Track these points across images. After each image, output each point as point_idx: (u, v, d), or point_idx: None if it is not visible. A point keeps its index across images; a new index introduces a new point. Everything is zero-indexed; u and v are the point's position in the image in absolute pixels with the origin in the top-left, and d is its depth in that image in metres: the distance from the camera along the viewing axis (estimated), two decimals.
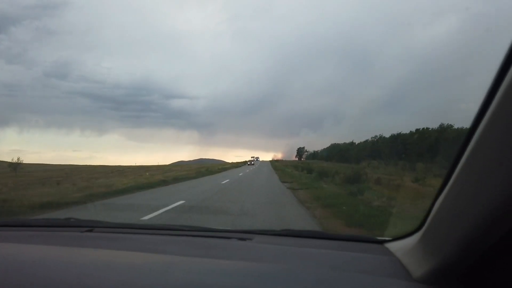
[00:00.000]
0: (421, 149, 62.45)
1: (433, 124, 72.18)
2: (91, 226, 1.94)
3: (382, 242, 1.62)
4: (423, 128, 72.13)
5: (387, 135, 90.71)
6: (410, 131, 75.79)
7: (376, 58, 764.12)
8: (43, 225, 2.10)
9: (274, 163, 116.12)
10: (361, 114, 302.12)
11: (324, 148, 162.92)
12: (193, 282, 1.08)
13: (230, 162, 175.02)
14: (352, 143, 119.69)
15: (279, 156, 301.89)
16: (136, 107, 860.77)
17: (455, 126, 63.65)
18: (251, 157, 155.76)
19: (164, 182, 20.25)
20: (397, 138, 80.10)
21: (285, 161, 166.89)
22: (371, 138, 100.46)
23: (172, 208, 9.08)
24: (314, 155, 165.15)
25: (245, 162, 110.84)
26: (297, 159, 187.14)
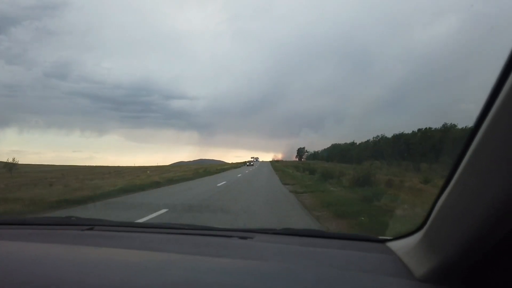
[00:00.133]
0: (425, 149, 61.63)
1: (434, 124, 71.36)
2: (91, 224, 1.93)
3: (383, 241, 1.60)
4: (426, 128, 71.27)
5: (387, 135, 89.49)
6: (413, 131, 75.12)
7: (376, 58, 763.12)
8: (43, 223, 2.13)
9: (274, 163, 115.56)
10: (362, 114, 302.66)
11: (324, 149, 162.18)
12: (194, 280, 1.07)
13: (230, 162, 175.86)
14: (353, 143, 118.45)
15: (279, 156, 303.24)
16: (136, 107, 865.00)
17: (459, 126, 62.55)
18: (251, 158, 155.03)
19: (156, 184, 19.23)
20: (399, 138, 79.00)
21: (286, 161, 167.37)
22: (373, 138, 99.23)
23: (148, 220, 7.34)
24: (315, 156, 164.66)
25: (244, 163, 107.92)
26: (297, 159, 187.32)
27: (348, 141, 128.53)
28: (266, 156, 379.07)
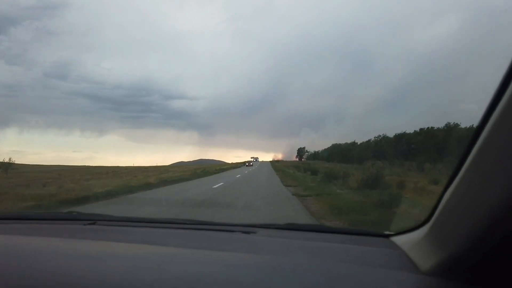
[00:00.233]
0: (428, 148, 60.62)
1: (434, 124, 70.51)
2: (93, 219, 1.95)
3: (388, 235, 1.61)
4: (428, 128, 70.14)
5: (389, 134, 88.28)
6: (415, 130, 73.96)
7: (376, 58, 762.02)
8: (45, 218, 2.15)
9: (274, 163, 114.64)
10: (362, 114, 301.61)
11: (325, 148, 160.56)
12: (196, 273, 1.07)
13: (230, 162, 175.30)
14: (354, 143, 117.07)
15: (279, 156, 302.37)
16: (136, 107, 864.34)
17: (462, 125, 61.53)
18: (251, 158, 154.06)
19: (148, 186, 18.22)
20: (401, 138, 77.87)
21: (286, 161, 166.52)
22: (374, 138, 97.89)
23: None
24: (315, 156, 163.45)
25: (244, 163, 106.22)
26: (297, 159, 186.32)
27: (349, 141, 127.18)
28: (266, 156, 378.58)
